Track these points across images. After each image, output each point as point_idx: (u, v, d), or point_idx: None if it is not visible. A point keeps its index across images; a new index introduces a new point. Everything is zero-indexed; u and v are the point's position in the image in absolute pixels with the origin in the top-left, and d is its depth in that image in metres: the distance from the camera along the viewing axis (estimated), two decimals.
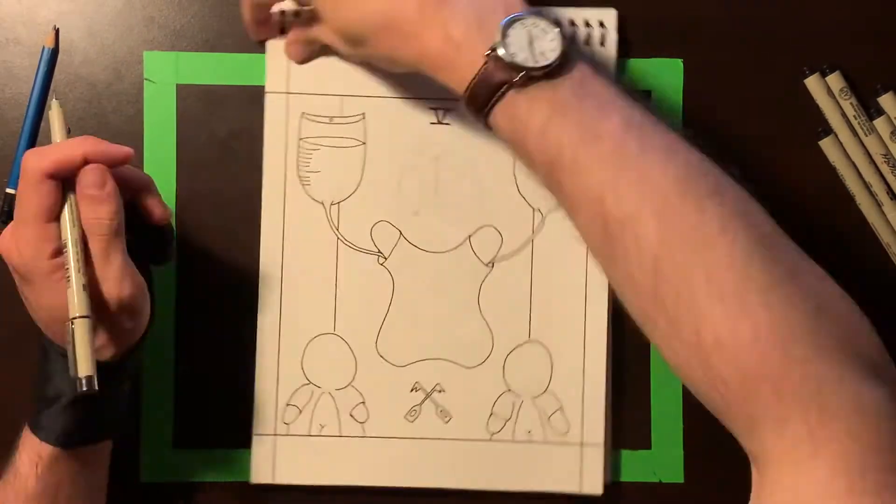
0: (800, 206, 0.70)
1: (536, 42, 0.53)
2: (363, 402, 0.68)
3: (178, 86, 0.68)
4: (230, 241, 0.68)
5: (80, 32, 0.68)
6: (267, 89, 0.67)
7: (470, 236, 0.68)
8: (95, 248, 0.56)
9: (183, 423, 0.68)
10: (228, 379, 0.68)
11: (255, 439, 0.67)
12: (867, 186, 0.69)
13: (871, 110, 0.69)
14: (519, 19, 0.54)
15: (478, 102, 0.54)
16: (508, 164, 0.68)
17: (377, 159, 0.68)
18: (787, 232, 0.70)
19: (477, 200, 0.68)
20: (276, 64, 0.67)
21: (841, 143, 0.69)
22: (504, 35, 0.53)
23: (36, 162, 0.56)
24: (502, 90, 0.53)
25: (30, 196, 0.56)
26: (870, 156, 0.69)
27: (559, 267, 0.68)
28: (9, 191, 0.67)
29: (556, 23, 0.54)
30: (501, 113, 0.54)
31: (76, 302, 0.55)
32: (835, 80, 0.69)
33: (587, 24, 0.68)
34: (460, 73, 0.54)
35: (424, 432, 0.68)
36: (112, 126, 0.68)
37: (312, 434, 0.67)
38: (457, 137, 0.68)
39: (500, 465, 0.68)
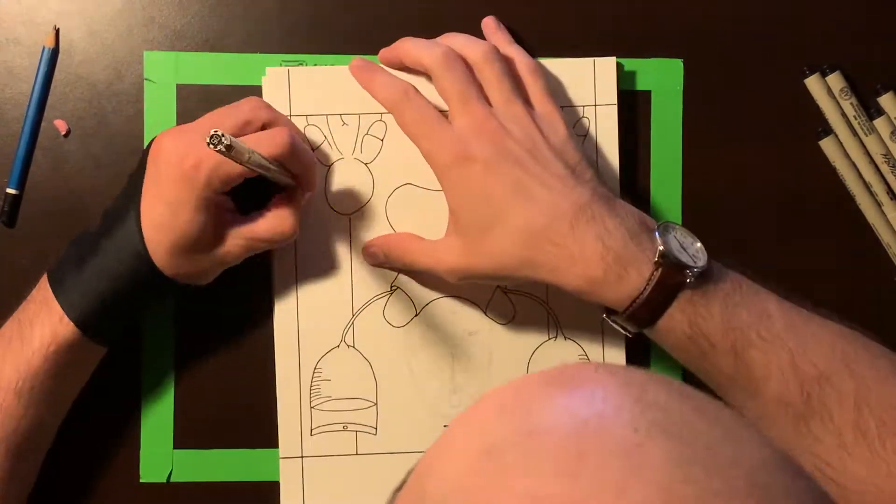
0: (800, 206, 0.70)
1: (686, 247, 0.60)
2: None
3: (178, 86, 0.68)
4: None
5: (81, 32, 0.68)
6: None
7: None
8: (283, 220, 0.62)
9: (183, 423, 0.68)
10: (228, 379, 0.68)
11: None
12: (867, 186, 0.69)
13: (871, 110, 0.69)
14: (667, 228, 0.60)
15: (652, 307, 0.59)
16: None
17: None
18: (787, 231, 0.70)
19: None
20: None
21: (841, 143, 0.69)
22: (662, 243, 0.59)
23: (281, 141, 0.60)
24: (679, 291, 0.58)
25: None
26: (870, 156, 0.69)
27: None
28: (9, 191, 0.68)
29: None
30: (679, 311, 0.59)
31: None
32: (835, 80, 0.69)
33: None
34: (628, 285, 0.58)
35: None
36: (112, 126, 0.68)
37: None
38: None
39: None
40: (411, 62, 0.65)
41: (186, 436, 0.68)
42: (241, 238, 0.62)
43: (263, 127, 0.62)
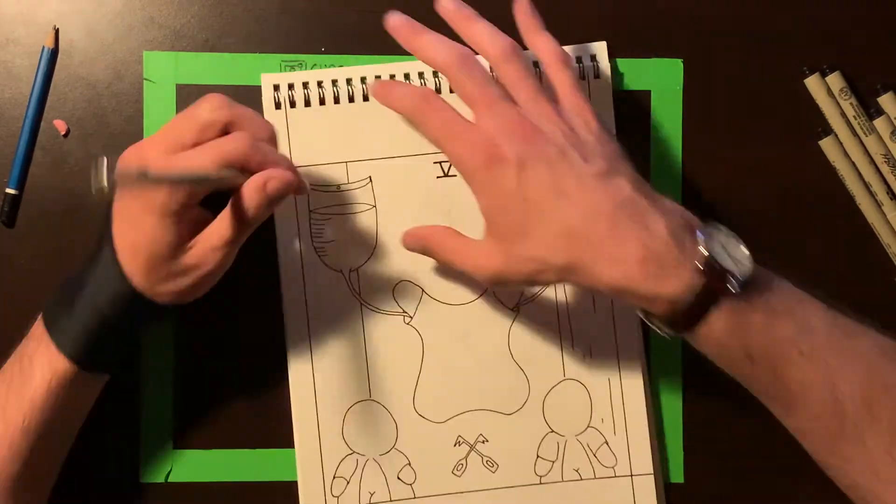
0: (800, 206, 0.70)
1: (730, 251, 0.56)
2: (409, 464, 0.67)
3: (177, 86, 0.68)
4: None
5: (80, 32, 0.68)
6: None
7: None
8: (239, 217, 0.59)
9: (183, 423, 0.68)
10: (229, 379, 0.68)
11: None
12: (867, 186, 0.69)
13: (871, 110, 0.69)
14: (711, 231, 0.57)
15: (690, 314, 0.56)
16: None
17: (389, 220, 0.67)
18: (787, 231, 0.70)
19: None
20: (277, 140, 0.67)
21: (841, 143, 0.69)
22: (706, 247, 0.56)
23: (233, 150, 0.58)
24: (720, 296, 0.55)
25: (203, 167, 0.58)
26: (870, 156, 0.69)
27: (584, 300, 0.68)
28: (9, 191, 0.68)
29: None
30: (719, 318, 0.55)
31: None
32: (835, 80, 0.69)
33: (579, 61, 0.68)
34: (667, 289, 0.55)
35: (473, 485, 0.67)
36: (112, 126, 0.68)
37: (363, 503, 0.67)
38: (465, 188, 0.65)
39: None
40: (425, 60, 0.62)
41: (186, 436, 0.68)
42: (207, 244, 0.60)
43: (226, 129, 0.60)
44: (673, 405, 0.69)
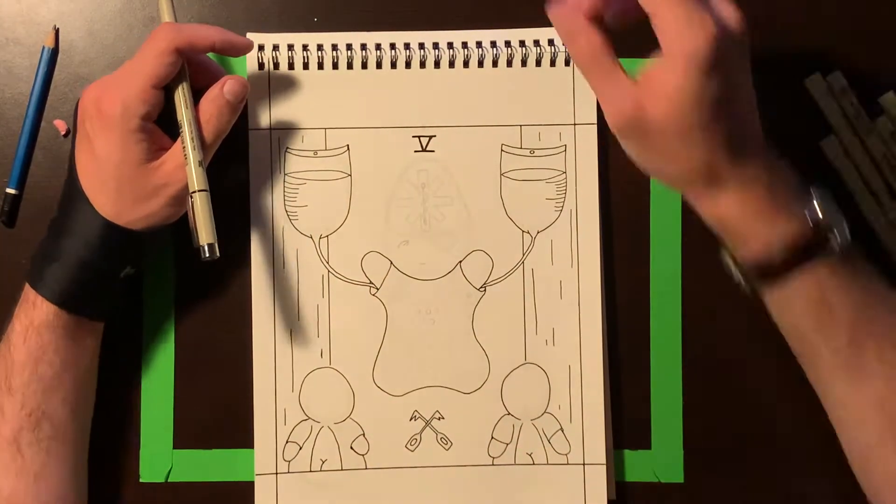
0: None
1: (835, 221, 0.58)
2: (363, 434, 0.68)
3: None
4: (228, 231, 0.68)
5: (80, 32, 0.68)
6: (250, 126, 0.67)
7: (460, 262, 0.68)
8: (204, 130, 0.62)
9: (182, 423, 0.68)
10: (228, 379, 0.68)
11: (257, 479, 0.67)
12: (867, 186, 0.69)
13: (872, 110, 0.69)
14: (823, 196, 0.58)
15: (790, 260, 0.57)
16: (495, 188, 0.68)
17: (363, 190, 0.68)
18: None
19: (465, 226, 0.68)
20: (257, 100, 0.67)
21: (841, 144, 0.69)
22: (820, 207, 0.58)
23: (171, 34, 0.61)
24: (823, 250, 0.57)
25: (151, 60, 0.60)
26: (870, 156, 0.69)
27: (551, 288, 0.68)
28: (9, 191, 0.68)
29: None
30: (818, 271, 0.57)
31: (195, 177, 0.60)
32: (835, 80, 0.69)
33: (550, 43, 0.68)
34: (775, 231, 0.57)
35: (426, 460, 0.68)
36: None
37: (314, 470, 0.67)
38: (441, 164, 0.68)
39: (502, 489, 0.68)
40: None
41: (186, 436, 0.68)
42: (176, 161, 0.61)
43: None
44: (673, 405, 0.69)
